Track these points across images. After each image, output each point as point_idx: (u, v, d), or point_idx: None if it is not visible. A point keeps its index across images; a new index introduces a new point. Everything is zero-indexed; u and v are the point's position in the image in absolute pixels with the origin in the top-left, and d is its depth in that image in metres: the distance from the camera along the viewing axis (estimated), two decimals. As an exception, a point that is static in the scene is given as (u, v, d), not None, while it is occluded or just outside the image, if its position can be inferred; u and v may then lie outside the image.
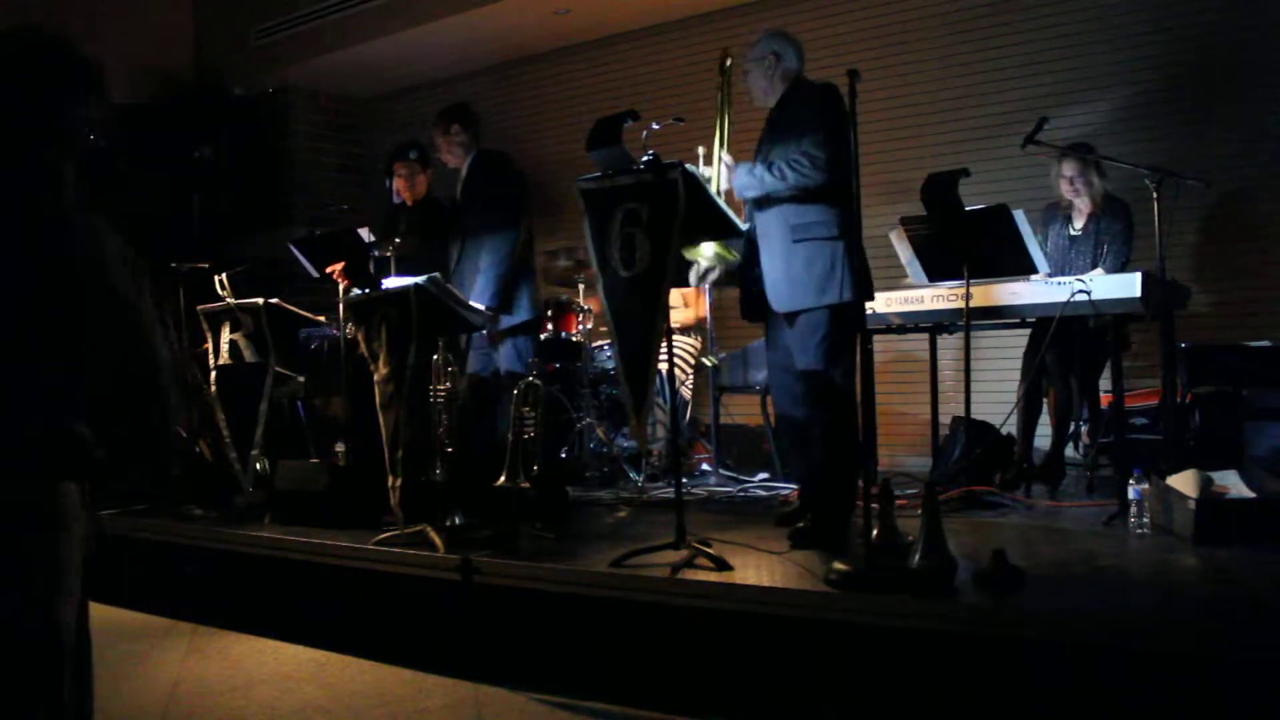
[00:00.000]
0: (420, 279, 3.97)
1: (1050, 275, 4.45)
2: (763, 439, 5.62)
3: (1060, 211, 4.79)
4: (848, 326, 3.67)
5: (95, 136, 1.92)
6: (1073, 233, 4.73)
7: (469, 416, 4.61)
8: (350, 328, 4.97)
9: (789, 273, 3.69)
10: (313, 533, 4.17)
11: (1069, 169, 4.65)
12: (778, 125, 3.82)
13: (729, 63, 3.96)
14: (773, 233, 3.73)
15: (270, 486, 4.73)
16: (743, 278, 3.93)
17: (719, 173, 3.82)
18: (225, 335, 5.17)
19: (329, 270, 5.04)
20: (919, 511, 3.07)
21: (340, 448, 5.24)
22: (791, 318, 3.73)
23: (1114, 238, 4.58)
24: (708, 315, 5.52)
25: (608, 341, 4.83)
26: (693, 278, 4.14)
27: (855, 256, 3.64)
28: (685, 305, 6.00)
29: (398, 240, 4.58)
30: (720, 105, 3.92)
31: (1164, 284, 4.11)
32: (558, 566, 3.49)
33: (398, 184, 5.03)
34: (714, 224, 3.59)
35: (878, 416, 4.58)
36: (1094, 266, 4.58)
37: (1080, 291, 4.06)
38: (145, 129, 7.20)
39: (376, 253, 4.78)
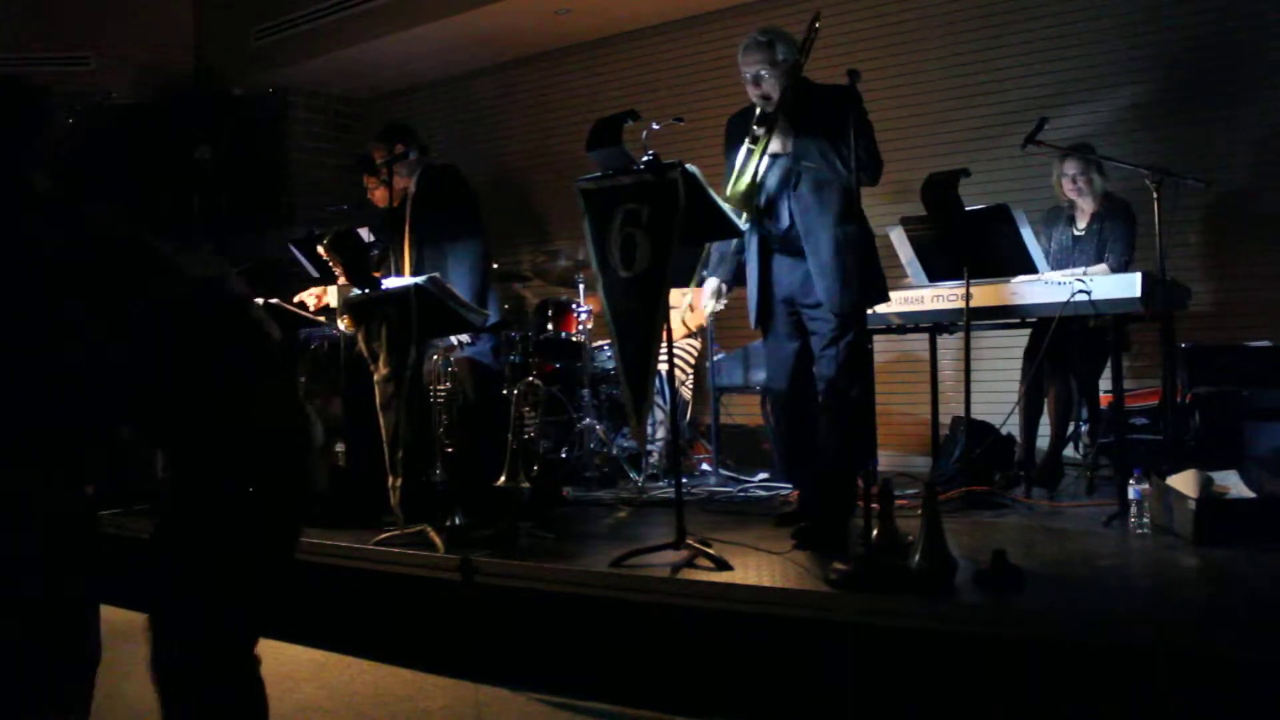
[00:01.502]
0: (420, 279, 3.96)
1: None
2: (763, 439, 5.62)
3: (1063, 213, 4.80)
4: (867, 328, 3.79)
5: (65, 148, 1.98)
6: (1076, 233, 4.74)
7: (474, 412, 4.61)
8: (344, 326, 4.97)
9: (842, 271, 3.70)
10: (313, 533, 4.17)
11: (1071, 167, 4.66)
12: (796, 123, 3.78)
13: (818, 25, 3.84)
14: (821, 233, 3.72)
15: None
16: (760, 282, 3.90)
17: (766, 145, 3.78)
18: (225, 335, 5.16)
19: (310, 300, 5.07)
20: (919, 511, 3.07)
21: (340, 448, 5.23)
22: (829, 315, 3.73)
23: (1117, 237, 4.59)
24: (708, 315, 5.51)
25: (608, 341, 4.83)
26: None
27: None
28: (692, 309, 5.95)
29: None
30: (792, 70, 3.81)
31: (1164, 284, 4.11)
32: (558, 566, 3.49)
33: (376, 195, 5.08)
34: (714, 224, 3.59)
35: (878, 416, 4.58)
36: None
37: (1080, 291, 4.06)
38: (145, 129, 7.20)
39: (376, 252, 4.78)
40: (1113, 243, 4.59)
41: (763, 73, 3.79)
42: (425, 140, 4.84)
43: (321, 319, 5.38)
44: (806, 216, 3.75)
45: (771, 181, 3.83)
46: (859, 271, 3.69)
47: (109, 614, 2.02)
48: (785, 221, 3.81)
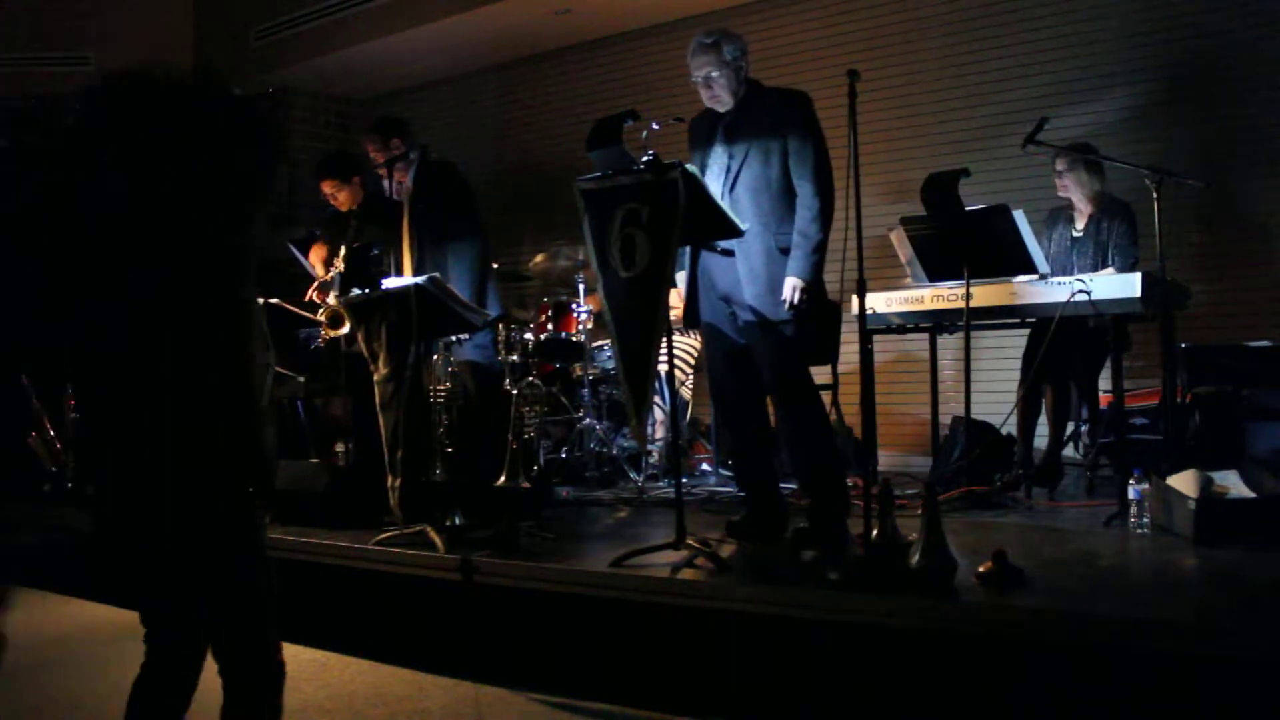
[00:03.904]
0: (420, 279, 3.97)
1: (1051, 276, 4.45)
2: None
3: (1063, 213, 4.81)
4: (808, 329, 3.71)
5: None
6: (1074, 234, 4.74)
7: (474, 412, 4.61)
8: (326, 330, 4.98)
9: (770, 279, 3.63)
10: (313, 533, 4.17)
11: (1060, 164, 4.69)
12: (742, 128, 3.72)
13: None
14: (753, 239, 3.65)
15: (270, 486, 4.73)
16: (690, 279, 3.83)
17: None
18: (225, 335, 5.17)
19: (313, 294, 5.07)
20: (919, 511, 3.07)
21: (340, 448, 5.24)
22: (760, 320, 3.67)
23: (1119, 238, 4.58)
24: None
25: (608, 341, 4.83)
26: None
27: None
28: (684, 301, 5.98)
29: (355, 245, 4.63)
30: (740, 69, 3.73)
31: (1164, 284, 4.11)
32: (558, 566, 3.49)
33: (339, 198, 5.10)
34: (714, 224, 3.59)
35: (878, 416, 4.58)
36: (1096, 268, 4.57)
37: (1080, 291, 4.07)
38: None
39: (377, 252, 4.78)
40: (1116, 245, 4.59)
41: (713, 74, 3.71)
42: (420, 135, 4.84)
43: (322, 319, 5.39)
44: (740, 219, 3.65)
45: (710, 184, 3.73)
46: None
47: (111, 614, 2.02)
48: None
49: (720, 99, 3.76)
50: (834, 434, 3.87)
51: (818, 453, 3.72)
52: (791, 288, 3.61)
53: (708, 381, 4.04)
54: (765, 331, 3.67)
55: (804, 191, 3.63)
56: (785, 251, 3.65)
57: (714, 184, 3.73)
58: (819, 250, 3.63)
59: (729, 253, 3.72)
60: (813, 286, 3.62)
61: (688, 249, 3.83)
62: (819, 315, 3.74)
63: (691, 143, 3.92)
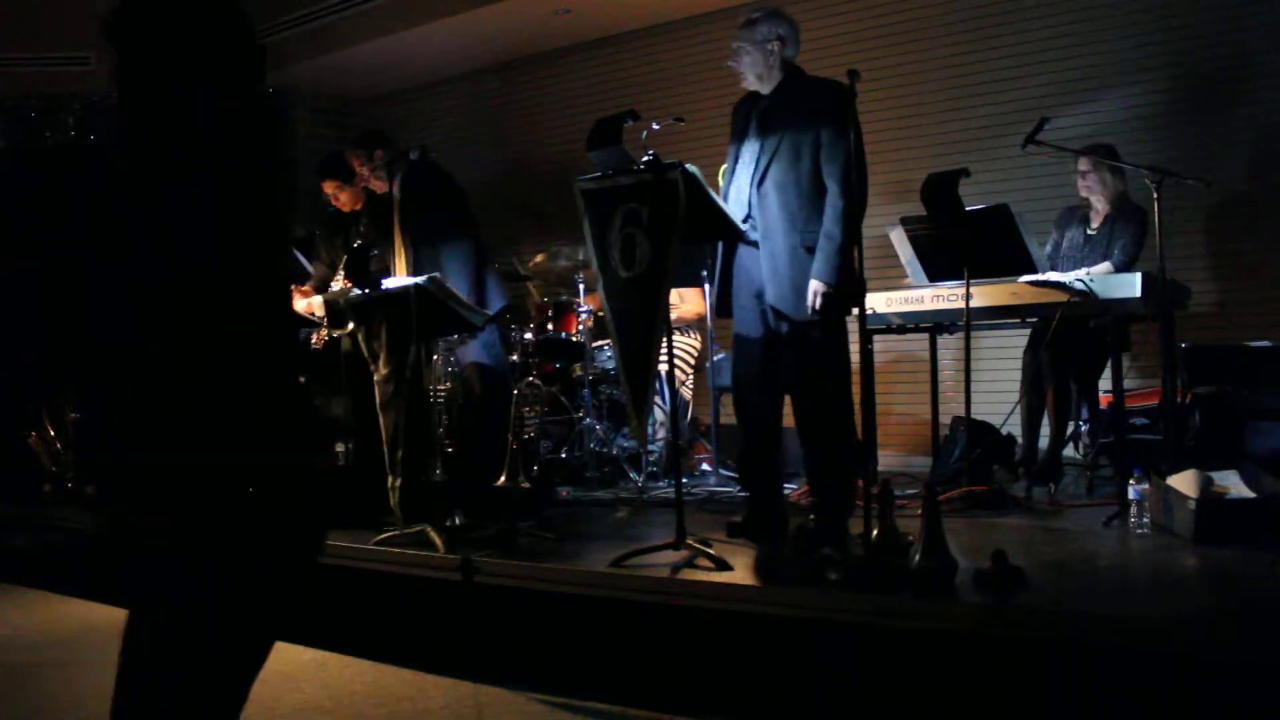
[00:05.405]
0: (421, 279, 3.97)
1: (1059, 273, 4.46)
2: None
3: (1077, 212, 4.82)
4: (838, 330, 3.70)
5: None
6: (1089, 232, 4.76)
7: (477, 413, 4.61)
8: (323, 331, 4.97)
9: (795, 279, 3.63)
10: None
11: (1083, 164, 4.69)
12: (775, 117, 3.70)
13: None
14: (779, 236, 3.65)
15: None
16: (723, 271, 3.84)
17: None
18: (225, 335, 5.16)
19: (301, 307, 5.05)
20: (919, 511, 3.07)
21: (340, 448, 5.24)
22: (792, 323, 3.67)
23: (1126, 239, 4.59)
24: (708, 313, 5.51)
25: (608, 341, 4.83)
26: None
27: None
28: (682, 300, 5.98)
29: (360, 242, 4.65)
30: (772, 52, 3.72)
31: (1164, 284, 4.11)
32: (558, 566, 3.49)
33: (341, 198, 5.07)
34: (714, 225, 3.59)
35: (878, 416, 4.58)
36: (1105, 266, 4.59)
37: (1080, 291, 4.07)
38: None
39: (376, 252, 4.77)
40: (1119, 243, 4.60)
41: (738, 46, 3.74)
42: (419, 135, 4.84)
43: (318, 319, 5.39)
44: (766, 216, 3.67)
45: (740, 174, 3.76)
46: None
47: (111, 614, 2.02)
48: (744, 211, 3.72)
49: (744, 75, 3.77)
50: (853, 435, 3.83)
51: (832, 451, 3.71)
52: (814, 293, 3.59)
53: (730, 374, 4.02)
54: (789, 329, 3.67)
55: (831, 191, 3.60)
56: (811, 250, 3.62)
57: (743, 176, 3.73)
58: (843, 252, 3.58)
59: (754, 243, 3.71)
60: (836, 289, 3.59)
61: (721, 242, 3.83)
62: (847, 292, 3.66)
63: (732, 129, 3.89)
